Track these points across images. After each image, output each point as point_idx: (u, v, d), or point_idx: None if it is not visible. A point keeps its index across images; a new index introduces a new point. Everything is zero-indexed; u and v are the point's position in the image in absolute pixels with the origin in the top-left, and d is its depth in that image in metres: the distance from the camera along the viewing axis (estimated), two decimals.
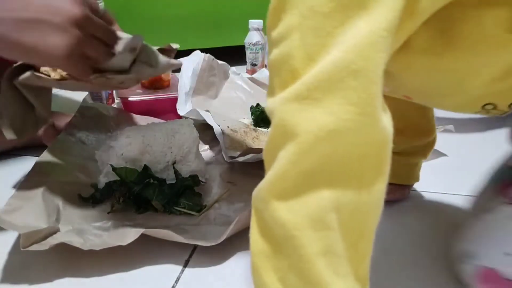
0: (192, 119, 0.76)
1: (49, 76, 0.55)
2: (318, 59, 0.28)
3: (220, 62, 1.07)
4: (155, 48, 0.58)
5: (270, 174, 0.30)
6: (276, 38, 0.31)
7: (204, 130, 0.83)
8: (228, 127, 0.81)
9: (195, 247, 0.56)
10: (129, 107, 0.96)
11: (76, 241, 0.51)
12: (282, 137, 0.29)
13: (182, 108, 0.89)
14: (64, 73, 0.55)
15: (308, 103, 0.28)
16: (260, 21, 1.33)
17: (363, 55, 0.27)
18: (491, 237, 0.44)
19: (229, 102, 1.02)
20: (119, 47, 0.53)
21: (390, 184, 0.31)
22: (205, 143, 0.85)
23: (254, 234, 0.32)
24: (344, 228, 0.30)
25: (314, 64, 0.28)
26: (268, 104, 0.31)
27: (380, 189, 0.30)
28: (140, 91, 1.02)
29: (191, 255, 0.55)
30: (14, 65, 0.56)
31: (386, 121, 0.29)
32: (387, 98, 0.30)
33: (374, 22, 0.27)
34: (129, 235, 0.51)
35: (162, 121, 0.86)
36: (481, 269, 0.43)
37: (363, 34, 0.27)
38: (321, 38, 0.28)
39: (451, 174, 0.76)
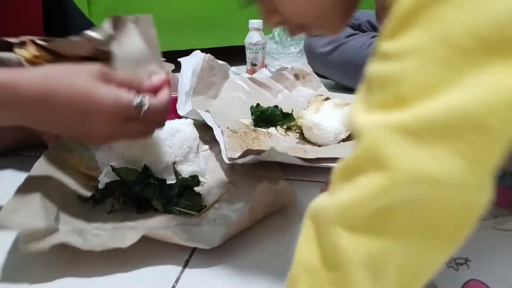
0: (192, 119, 0.76)
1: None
2: (435, 95, 0.25)
3: (220, 62, 1.07)
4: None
5: (344, 198, 0.28)
6: (389, 52, 0.27)
7: (204, 130, 0.83)
8: (228, 127, 0.81)
9: (195, 247, 0.56)
10: None
11: (76, 241, 0.51)
12: (368, 162, 0.27)
13: (182, 108, 0.89)
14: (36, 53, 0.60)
15: (413, 141, 0.25)
16: (260, 21, 1.33)
17: (495, 111, 0.24)
18: (498, 252, 0.39)
19: (229, 102, 1.02)
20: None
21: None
22: (205, 143, 0.85)
23: (306, 246, 0.30)
24: (399, 276, 0.28)
25: (429, 99, 0.25)
26: (359, 118, 0.28)
27: (449, 252, 0.28)
28: None
29: (191, 256, 0.55)
30: None
31: (489, 189, 0.26)
32: None
33: None
34: (129, 237, 0.51)
35: None
36: (474, 283, 0.38)
37: (501, 87, 0.24)
38: (446, 73, 0.25)
39: None
